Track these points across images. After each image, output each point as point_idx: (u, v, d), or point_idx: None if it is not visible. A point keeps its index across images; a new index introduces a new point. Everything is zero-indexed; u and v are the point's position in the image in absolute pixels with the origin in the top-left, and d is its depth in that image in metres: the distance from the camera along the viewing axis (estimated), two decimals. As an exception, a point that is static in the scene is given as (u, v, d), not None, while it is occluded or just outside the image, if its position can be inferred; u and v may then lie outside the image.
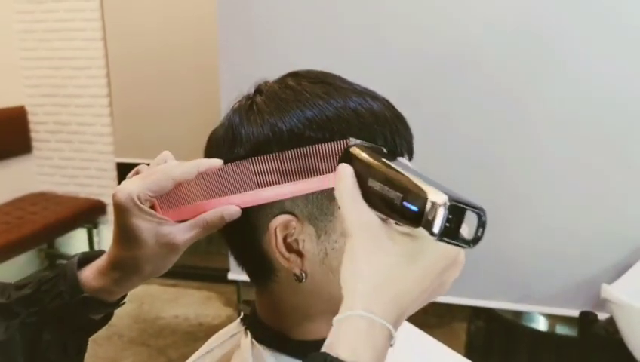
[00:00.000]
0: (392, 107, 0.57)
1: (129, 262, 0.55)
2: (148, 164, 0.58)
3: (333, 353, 0.41)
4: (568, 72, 1.68)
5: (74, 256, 0.58)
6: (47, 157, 3.42)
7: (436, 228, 0.41)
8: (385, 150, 0.51)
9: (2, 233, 2.76)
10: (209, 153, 0.59)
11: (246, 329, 0.63)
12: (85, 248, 3.10)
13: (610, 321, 1.58)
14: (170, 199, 0.56)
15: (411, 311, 0.46)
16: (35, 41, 3.25)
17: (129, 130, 3.20)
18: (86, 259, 0.58)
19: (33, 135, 3.39)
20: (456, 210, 0.41)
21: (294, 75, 0.58)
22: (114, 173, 3.28)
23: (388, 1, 1.79)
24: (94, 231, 3.32)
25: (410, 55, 1.78)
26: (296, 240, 0.54)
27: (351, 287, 0.45)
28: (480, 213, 0.42)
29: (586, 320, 1.69)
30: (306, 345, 0.58)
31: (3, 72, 3.22)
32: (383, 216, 0.46)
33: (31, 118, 3.37)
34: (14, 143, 3.30)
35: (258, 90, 0.58)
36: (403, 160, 0.50)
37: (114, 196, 0.52)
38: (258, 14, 1.90)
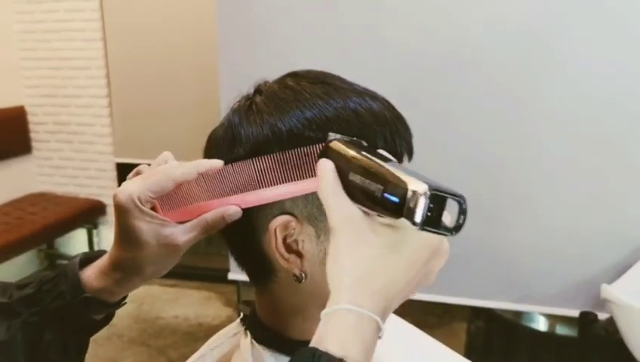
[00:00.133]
0: (392, 107, 0.57)
1: (130, 262, 0.55)
2: (149, 165, 0.58)
3: (322, 347, 0.41)
4: (568, 72, 1.68)
5: (75, 256, 0.58)
6: (47, 158, 3.42)
7: (418, 218, 0.41)
8: (364, 143, 0.51)
9: (2, 233, 2.76)
10: (208, 153, 0.59)
11: (246, 329, 0.63)
12: (85, 248, 3.10)
13: (610, 321, 1.58)
14: (170, 200, 0.56)
15: (398, 302, 0.46)
16: (35, 41, 3.26)
17: (129, 131, 3.20)
18: (87, 259, 0.58)
19: (33, 135, 3.39)
20: (437, 199, 0.42)
21: (294, 75, 0.58)
22: (114, 174, 3.28)
23: (388, 1, 1.79)
24: (94, 231, 3.33)
25: (410, 55, 1.78)
26: (296, 241, 0.54)
27: (337, 282, 0.45)
28: (460, 201, 0.43)
29: (586, 320, 1.69)
30: (306, 345, 0.58)
31: (3, 72, 3.22)
32: (366, 209, 0.46)
33: (31, 118, 3.37)
34: (14, 144, 3.30)
35: (258, 90, 0.58)
36: (383, 152, 0.50)
37: (115, 197, 0.52)
38: (258, 14, 1.90)
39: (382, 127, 0.54)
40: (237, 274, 2.05)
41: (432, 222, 0.42)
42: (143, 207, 0.52)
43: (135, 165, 0.60)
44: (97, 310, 0.57)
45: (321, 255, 0.54)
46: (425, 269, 0.47)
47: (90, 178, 3.35)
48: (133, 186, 0.53)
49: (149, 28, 3.04)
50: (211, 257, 2.82)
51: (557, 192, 1.75)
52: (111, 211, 2.97)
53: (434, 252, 0.47)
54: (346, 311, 0.43)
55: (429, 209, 0.41)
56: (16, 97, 3.30)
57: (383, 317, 0.44)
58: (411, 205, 0.41)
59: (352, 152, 0.48)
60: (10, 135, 3.27)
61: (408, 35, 1.78)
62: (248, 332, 0.62)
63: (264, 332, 0.61)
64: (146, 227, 0.53)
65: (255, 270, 0.60)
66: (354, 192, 0.47)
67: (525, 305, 1.87)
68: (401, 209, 0.42)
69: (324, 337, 0.42)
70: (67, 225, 3.16)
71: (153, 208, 0.55)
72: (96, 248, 3.24)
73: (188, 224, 0.55)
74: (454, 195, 0.43)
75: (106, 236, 3.37)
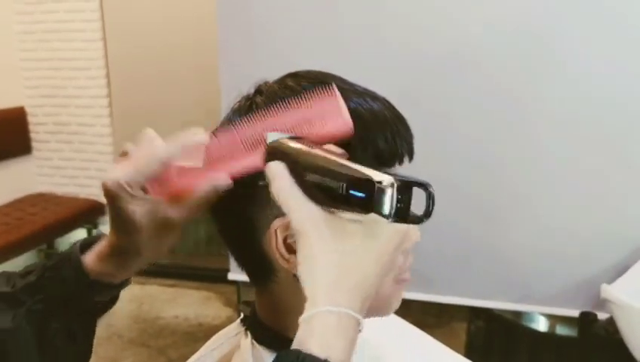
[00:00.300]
0: (392, 107, 0.57)
1: (129, 246, 0.54)
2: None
3: (305, 349, 0.41)
4: (568, 72, 1.68)
5: (75, 242, 0.58)
6: (47, 158, 3.42)
7: (388, 210, 0.41)
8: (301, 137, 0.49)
9: (2, 234, 2.75)
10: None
11: (246, 329, 0.63)
12: (85, 248, 3.09)
13: (610, 321, 1.58)
14: (160, 178, 0.54)
15: (374, 293, 0.46)
16: (35, 41, 3.25)
17: (129, 131, 3.19)
18: (87, 244, 0.58)
19: (33, 136, 3.39)
20: (404, 189, 0.42)
21: (294, 75, 0.58)
22: (114, 174, 3.27)
23: (388, 1, 1.79)
24: (94, 231, 3.32)
25: (410, 55, 1.78)
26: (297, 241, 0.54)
27: (311, 284, 0.45)
28: (427, 186, 0.42)
29: (586, 320, 1.69)
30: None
31: (3, 72, 3.22)
32: (328, 208, 0.46)
33: (30, 118, 3.37)
34: (14, 144, 3.30)
35: (258, 91, 0.58)
36: (328, 146, 0.48)
37: (103, 185, 0.52)
38: (258, 14, 1.90)
39: (382, 128, 0.54)
40: (237, 274, 2.05)
41: (402, 213, 0.42)
42: (131, 191, 0.52)
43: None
44: (102, 293, 0.57)
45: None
46: (395, 255, 0.47)
47: (90, 178, 3.34)
48: (120, 172, 0.52)
49: (149, 28, 3.04)
50: (211, 257, 2.82)
51: (557, 192, 1.76)
52: (111, 211, 2.97)
53: (402, 238, 0.47)
54: (327, 312, 0.43)
55: (398, 200, 0.41)
56: (16, 98, 3.30)
57: (362, 312, 0.44)
58: (380, 198, 0.41)
59: (303, 151, 0.47)
60: (10, 135, 3.27)
61: (408, 35, 1.78)
62: (249, 333, 0.62)
63: (264, 332, 0.61)
64: (139, 210, 0.52)
65: (255, 270, 0.60)
66: (313, 192, 0.46)
67: (525, 305, 1.87)
68: (368, 204, 0.42)
69: (307, 339, 0.42)
70: (67, 226, 3.16)
71: (144, 189, 0.54)
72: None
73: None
74: (420, 183, 0.42)
75: (106, 236, 3.37)
